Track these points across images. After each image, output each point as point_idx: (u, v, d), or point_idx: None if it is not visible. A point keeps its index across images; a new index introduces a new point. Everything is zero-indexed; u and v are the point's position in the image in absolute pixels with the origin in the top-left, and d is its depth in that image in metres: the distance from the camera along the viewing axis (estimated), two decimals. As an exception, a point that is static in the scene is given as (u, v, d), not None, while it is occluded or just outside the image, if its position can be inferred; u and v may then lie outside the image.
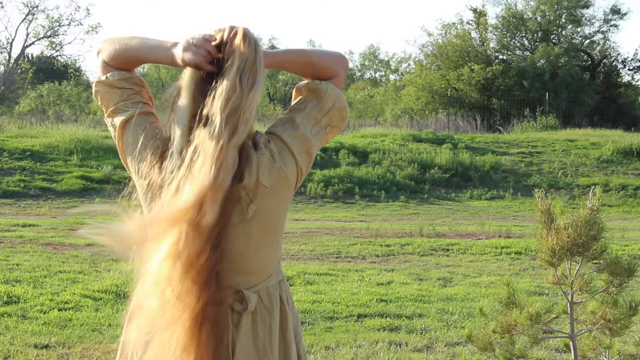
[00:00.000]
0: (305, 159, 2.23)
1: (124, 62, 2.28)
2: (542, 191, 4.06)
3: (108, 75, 2.29)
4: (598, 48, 40.10)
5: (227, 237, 2.09)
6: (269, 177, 2.15)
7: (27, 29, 44.97)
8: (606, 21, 39.63)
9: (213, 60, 2.13)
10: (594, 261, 3.92)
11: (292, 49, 2.33)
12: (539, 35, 39.31)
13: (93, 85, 2.35)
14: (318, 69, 2.29)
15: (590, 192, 3.90)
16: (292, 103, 2.33)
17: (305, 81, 2.31)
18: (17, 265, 8.95)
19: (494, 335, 3.99)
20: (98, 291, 7.60)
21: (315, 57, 2.30)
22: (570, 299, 4.03)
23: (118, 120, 2.29)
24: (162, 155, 2.17)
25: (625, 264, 3.88)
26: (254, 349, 2.16)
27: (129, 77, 2.29)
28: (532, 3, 39.52)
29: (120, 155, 2.33)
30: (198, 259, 2.02)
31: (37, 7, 43.52)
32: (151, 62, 2.29)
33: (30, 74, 41.97)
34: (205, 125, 2.06)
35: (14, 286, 7.80)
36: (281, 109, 38.27)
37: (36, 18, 46.44)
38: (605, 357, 4.10)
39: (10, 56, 44.53)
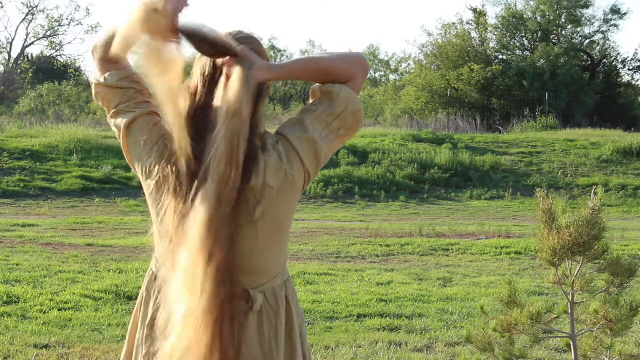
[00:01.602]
0: (313, 161, 2.21)
1: (112, 45, 2.21)
2: (543, 191, 4.05)
3: (106, 76, 2.28)
4: (598, 48, 40.10)
5: (235, 238, 2.10)
6: (276, 179, 2.15)
7: (27, 29, 44.97)
8: (606, 21, 39.63)
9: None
10: (595, 261, 3.92)
11: (300, 58, 2.27)
12: (539, 35, 39.31)
13: (93, 87, 2.34)
14: (331, 75, 2.24)
15: (592, 192, 3.90)
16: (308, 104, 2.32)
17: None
18: (17, 265, 8.95)
19: (494, 334, 3.99)
20: (98, 291, 7.60)
21: (326, 63, 2.24)
22: (571, 299, 4.03)
23: (122, 121, 2.28)
24: (169, 155, 2.17)
25: (626, 265, 3.88)
26: (259, 349, 2.17)
27: (127, 76, 2.27)
28: (532, 3, 39.53)
29: (125, 156, 2.32)
30: (217, 256, 2.04)
31: (37, 7, 43.49)
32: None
33: (30, 74, 41.94)
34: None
35: (14, 286, 7.79)
36: (281, 109, 38.27)
37: (36, 18, 46.55)
38: (607, 358, 4.10)
39: (10, 56, 44.50)
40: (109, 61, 2.27)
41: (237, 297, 2.10)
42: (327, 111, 2.22)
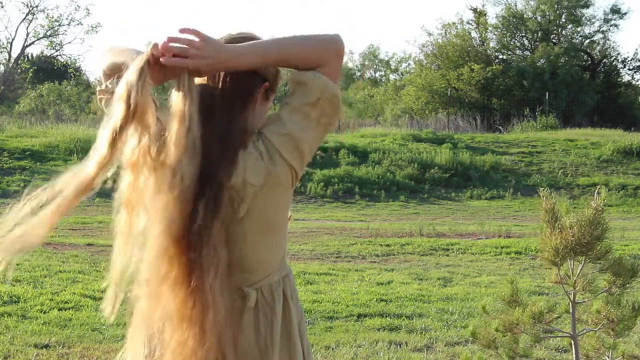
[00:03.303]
0: (297, 157, 2.17)
1: (117, 72, 2.30)
2: (546, 190, 4.05)
3: (107, 83, 2.32)
4: (598, 48, 40.12)
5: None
6: (257, 176, 2.13)
7: (27, 28, 44.97)
8: (606, 21, 39.64)
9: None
10: (597, 261, 3.91)
11: (263, 44, 2.13)
12: (539, 35, 39.32)
13: (97, 93, 2.38)
14: (301, 63, 2.14)
15: (595, 192, 3.90)
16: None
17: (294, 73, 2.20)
18: (17, 265, 8.92)
19: (497, 333, 3.98)
20: (98, 291, 7.59)
21: (294, 50, 2.13)
22: (572, 299, 4.02)
23: None
24: None
25: (629, 265, 3.87)
26: (255, 346, 2.16)
27: None
28: (532, 3, 39.54)
29: None
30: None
31: (37, 6, 43.51)
32: None
33: (30, 74, 41.93)
34: None
35: (14, 286, 7.79)
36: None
37: (36, 18, 46.42)
38: (608, 358, 4.10)
39: (10, 56, 44.51)
40: (109, 76, 2.32)
41: (232, 295, 2.11)
42: (302, 101, 2.15)
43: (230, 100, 2.16)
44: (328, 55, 2.15)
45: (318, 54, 2.14)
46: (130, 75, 2.03)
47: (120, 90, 2.03)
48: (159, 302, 2.05)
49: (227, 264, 2.09)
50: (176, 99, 2.05)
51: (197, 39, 2.04)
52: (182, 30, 2.06)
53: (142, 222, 2.15)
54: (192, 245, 2.04)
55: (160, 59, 2.03)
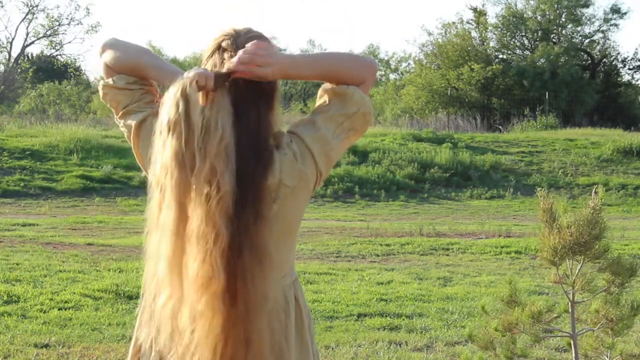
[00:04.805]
0: (325, 161, 2.23)
1: (128, 72, 2.27)
2: (544, 190, 4.05)
3: (114, 78, 2.28)
4: (598, 47, 40.12)
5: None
6: (291, 178, 2.16)
7: (27, 28, 44.92)
8: (606, 20, 39.64)
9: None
10: (596, 261, 3.92)
11: (315, 57, 2.26)
12: (539, 34, 39.33)
13: (100, 89, 2.33)
14: (343, 76, 2.23)
15: (593, 191, 3.90)
16: (317, 104, 2.30)
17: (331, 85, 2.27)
18: (17, 264, 8.95)
19: (495, 333, 3.99)
20: (98, 290, 7.60)
21: (341, 67, 2.23)
22: (571, 298, 4.03)
23: (132, 121, 2.26)
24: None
25: (627, 264, 3.88)
26: (270, 348, 2.15)
27: (135, 81, 2.27)
28: (532, 2, 39.54)
29: (136, 157, 2.30)
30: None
31: (37, 6, 43.46)
32: (154, 80, 2.28)
33: (30, 74, 41.88)
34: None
35: (14, 285, 7.80)
36: (281, 109, 38.08)
37: (36, 17, 46.39)
38: (607, 357, 4.10)
39: (10, 55, 44.45)
40: (116, 72, 2.29)
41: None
42: (339, 112, 2.22)
43: (256, 101, 2.16)
44: (368, 74, 2.27)
45: (361, 73, 2.25)
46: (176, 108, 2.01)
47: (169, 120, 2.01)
48: (202, 311, 2.00)
49: (265, 267, 2.07)
50: (207, 109, 2.03)
51: (260, 49, 2.11)
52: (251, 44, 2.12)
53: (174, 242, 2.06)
54: (237, 251, 2.01)
55: (234, 68, 2.08)
